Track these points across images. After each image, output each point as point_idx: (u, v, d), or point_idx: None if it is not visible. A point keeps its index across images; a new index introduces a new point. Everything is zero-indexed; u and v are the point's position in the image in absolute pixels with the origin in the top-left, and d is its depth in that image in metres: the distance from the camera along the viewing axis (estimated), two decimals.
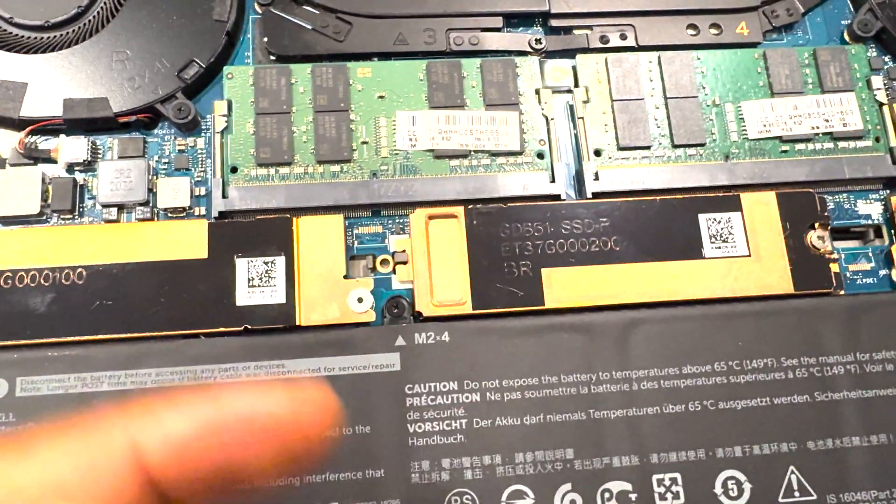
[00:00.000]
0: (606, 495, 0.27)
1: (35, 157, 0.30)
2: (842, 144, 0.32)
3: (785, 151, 0.32)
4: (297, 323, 0.28)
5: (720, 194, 0.31)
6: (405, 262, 0.29)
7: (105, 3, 0.32)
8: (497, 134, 0.31)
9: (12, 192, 0.29)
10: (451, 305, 0.29)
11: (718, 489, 0.27)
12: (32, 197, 0.29)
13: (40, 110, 0.30)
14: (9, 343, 0.27)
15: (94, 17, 0.32)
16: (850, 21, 0.35)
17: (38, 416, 0.26)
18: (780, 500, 0.27)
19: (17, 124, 0.30)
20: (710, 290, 0.29)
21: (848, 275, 0.31)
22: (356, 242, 0.30)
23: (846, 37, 0.35)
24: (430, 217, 0.30)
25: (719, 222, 0.30)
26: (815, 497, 0.27)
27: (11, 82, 0.30)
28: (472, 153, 0.31)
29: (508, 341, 0.28)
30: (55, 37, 0.31)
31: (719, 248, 0.30)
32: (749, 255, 0.30)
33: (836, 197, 0.32)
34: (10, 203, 0.29)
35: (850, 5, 0.36)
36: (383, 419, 0.27)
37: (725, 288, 0.29)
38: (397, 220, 0.31)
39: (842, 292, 0.30)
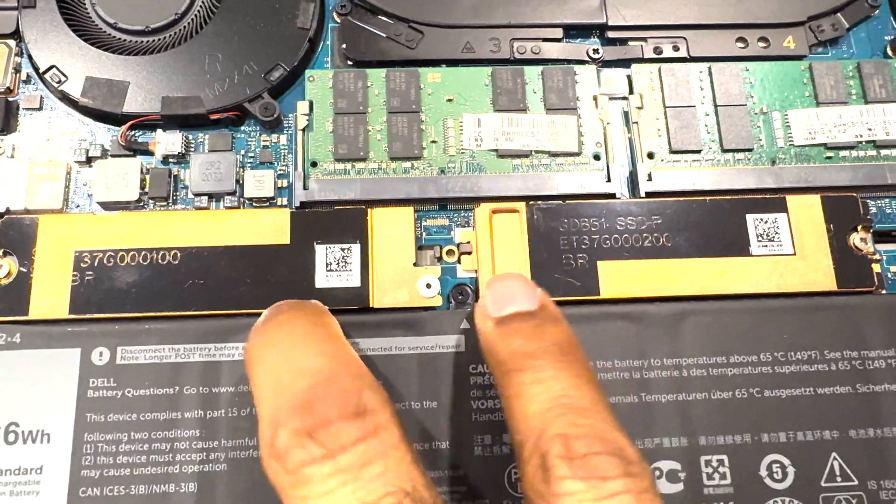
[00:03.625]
0: (657, 473, 0.28)
1: (134, 149, 0.33)
2: (884, 152, 0.33)
3: (829, 158, 0.33)
4: (371, 305, 0.30)
5: (767, 196, 0.32)
6: (469, 253, 0.32)
7: (199, 11, 0.35)
8: (556, 136, 0.33)
9: (114, 181, 0.32)
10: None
11: (763, 472, 0.28)
12: (132, 185, 0.32)
13: (140, 107, 0.33)
14: (111, 315, 0.29)
15: (189, 23, 0.34)
16: (892, 36, 0.37)
17: (136, 382, 0.29)
18: (823, 484, 0.28)
19: (120, 119, 0.33)
20: (757, 286, 0.31)
21: (889, 275, 0.32)
22: (424, 234, 0.32)
23: (889, 51, 0.37)
24: (494, 211, 0.32)
25: (766, 222, 0.32)
26: (856, 482, 0.28)
27: (115, 81, 0.33)
28: (533, 153, 0.33)
29: None
30: (154, 41, 0.34)
31: (766, 246, 0.31)
32: (794, 254, 0.31)
33: (879, 202, 0.34)
34: (112, 190, 0.32)
35: (893, 21, 0.37)
36: (449, 396, 0.29)
37: (771, 284, 0.31)
38: (463, 214, 0.33)
39: (883, 291, 0.31)
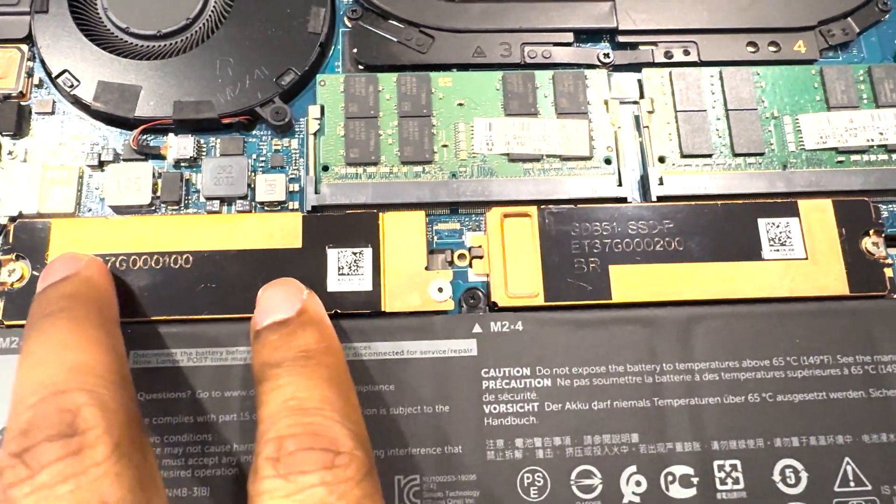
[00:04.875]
0: (669, 478, 0.28)
1: (146, 153, 0.33)
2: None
3: (841, 162, 0.33)
4: (382, 309, 0.30)
5: (778, 201, 0.32)
6: (481, 257, 0.32)
7: (210, 16, 0.35)
8: (567, 140, 0.33)
9: (126, 185, 0.32)
10: (525, 297, 0.31)
11: (777, 476, 0.28)
12: (144, 189, 0.32)
13: (152, 111, 0.33)
14: (124, 319, 0.29)
15: (200, 28, 0.35)
16: None
17: (149, 386, 0.29)
18: (836, 489, 0.28)
19: (132, 123, 0.33)
20: (769, 290, 0.31)
21: None
22: (436, 238, 0.32)
23: None
24: (505, 215, 0.32)
25: (777, 226, 0.32)
26: (870, 488, 0.28)
27: (127, 86, 0.33)
28: (544, 157, 0.33)
29: (578, 332, 0.30)
30: (166, 45, 0.34)
31: (777, 250, 0.31)
32: (806, 258, 0.31)
33: (891, 206, 0.34)
34: (123, 194, 0.32)
35: None
36: (461, 400, 0.29)
37: (783, 288, 0.31)
38: (474, 218, 0.33)
39: (895, 296, 0.31)
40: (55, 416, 0.21)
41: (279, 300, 0.26)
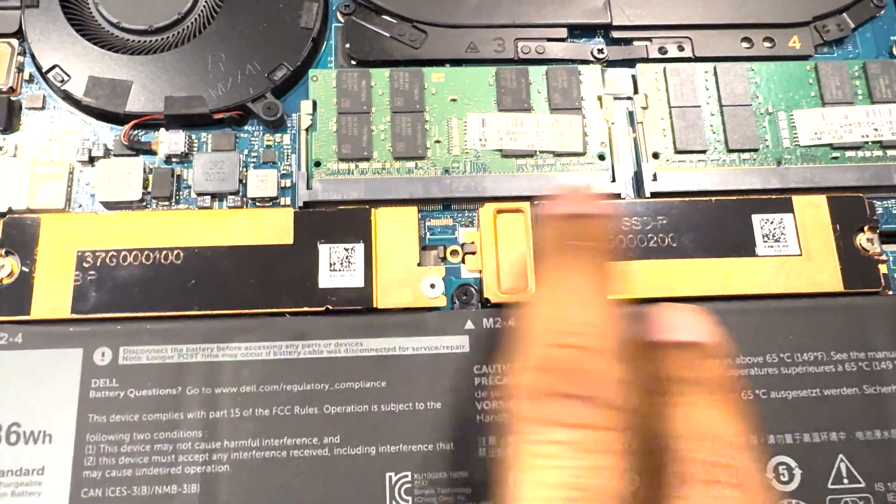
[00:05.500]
0: None
1: (137, 148, 0.33)
2: (890, 152, 0.33)
3: (835, 158, 0.33)
4: (374, 305, 0.30)
5: (773, 197, 0.32)
6: (473, 253, 0.31)
7: (202, 11, 0.35)
8: (561, 136, 0.33)
9: (117, 180, 0.32)
10: (517, 294, 0.30)
11: (770, 474, 0.28)
12: (135, 184, 0.32)
13: (143, 106, 0.33)
14: (114, 315, 0.29)
15: (192, 23, 0.34)
16: None
17: (138, 383, 0.29)
18: (830, 486, 0.28)
19: (122, 119, 0.33)
20: (763, 287, 0.31)
21: None
22: (428, 234, 0.32)
23: (895, 51, 0.36)
24: (498, 211, 0.32)
25: (772, 223, 0.32)
26: (863, 485, 0.28)
27: (118, 81, 0.33)
28: (538, 153, 0.33)
29: None
30: (157, 40, 0.34)
31: (772, 247, 0.31)
32: (800, 255, 0.31)
33: (886, 202, 0.33)
34: (114, 190, 0.32)
35: None
36: (453, 397, 0.29)
37: (777, 285, 0.31)
38: (467, 214, 0.33)
39: (890, 292, 0.31)
40: (597, 378, 0.21)
41: (688, 321, 0.26)
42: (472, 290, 0.31)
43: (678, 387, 0.23)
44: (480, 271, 0.31)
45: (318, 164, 0.32)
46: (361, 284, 0.30)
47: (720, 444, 0.22)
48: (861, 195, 0.32)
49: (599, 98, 0.34)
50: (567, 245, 0.24)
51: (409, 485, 0.28)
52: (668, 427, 0.23)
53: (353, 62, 0.35)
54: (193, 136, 0.33)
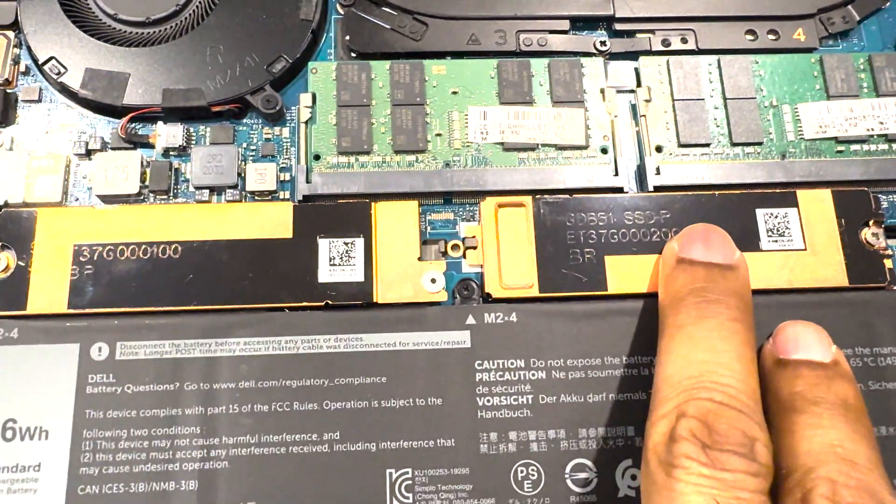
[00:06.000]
0: None
1: (135, 141, 0.32)
2: None
3: (840, 151, 0.33)
4: (375, 300, 0.30)
5: (777, 191, 0.32)
6: (475, 248, 0.31)
7: (201, 2, 0.34)
8: (563, 129, 0.32)
9: (114, 174, 0.31)
10: (519, 288, 0.30)
11: None
12: (132, 178, 0.31)
13: (141, 99, 0.32)
14: (111, 310, 0.29)
15: (190, 14, 0.34)
16: None
17: (136, 378, 0.28)
18: None
19: (120, 112, 0.33)
20: (767, 281, 0.30)
21: None
22: (429, 228, 0.32)
23: None
24: (500, 205, 0.31)
25: (776, 217, 0.31)
26: None
27: (115, 73, 0.33)
28: (540, 146, 0.32)
29: (573, 323, 0.29)
30: (155, 32, 0.34)
31: (776, 241, 0.31)
32: (805, 249, 0.31)
33: (891, 196, 0.33)
34: (111, 183, 0.31)
35: None
36: (454, 392, 0.28)
37: (782, 279, 0.30)
38: (468, 208, 0.32)
39: (895, 287, 0.31)
40: (740, 435, 0.22)
41: (812, 340, 0.26)
42: (474, 284, 0.31)
43: (809, 406, 0.24)
44: (482, 266, 0.31)
45: (317, 157, 0.32)
46: (361, 279, 0.30)
47: (849, 465, 0.22)
48: (866, 189, 0.32)
49: (602, 91, 0.33)
50: (708, 300, 0.25)
51: (409, 481, 0.27)
52: (799, 445, 0.23)
53: (353, 54, 0.34)
54: (191, 129, 0.33)
